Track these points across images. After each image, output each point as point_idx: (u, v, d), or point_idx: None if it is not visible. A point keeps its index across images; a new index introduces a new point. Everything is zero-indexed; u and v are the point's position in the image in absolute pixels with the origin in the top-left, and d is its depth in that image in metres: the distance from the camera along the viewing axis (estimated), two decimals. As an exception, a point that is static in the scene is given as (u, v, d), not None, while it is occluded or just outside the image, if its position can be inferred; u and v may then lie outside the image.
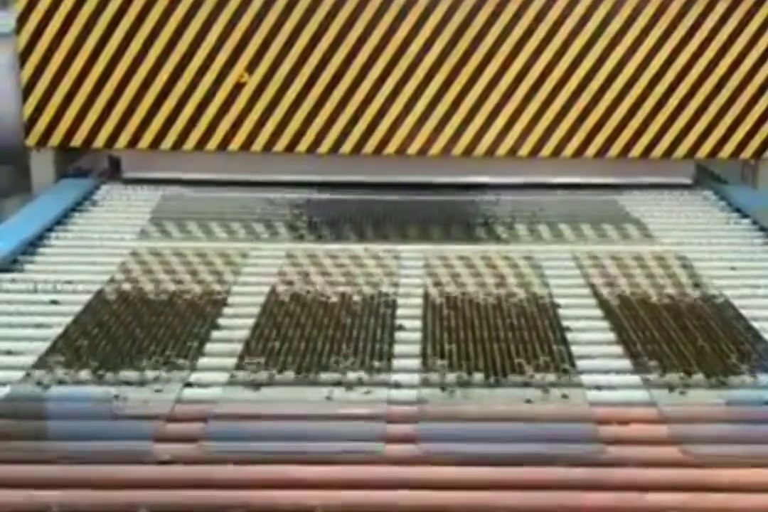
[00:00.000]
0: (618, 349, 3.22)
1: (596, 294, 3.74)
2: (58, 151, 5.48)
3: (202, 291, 3.69)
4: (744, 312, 3.54)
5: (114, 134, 5.37)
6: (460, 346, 3.17)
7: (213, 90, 5.31)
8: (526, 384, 2.88)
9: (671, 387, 2.87)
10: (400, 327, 3.38)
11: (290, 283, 3.79)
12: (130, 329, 3.33)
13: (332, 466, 2.45)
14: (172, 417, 2.69)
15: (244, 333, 3.28)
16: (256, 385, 2.86)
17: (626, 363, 3.09)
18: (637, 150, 5.42)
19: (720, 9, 5.24)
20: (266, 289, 3.71)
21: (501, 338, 3.24)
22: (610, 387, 2.93)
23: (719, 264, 4.16)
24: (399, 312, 3.50)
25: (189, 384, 2.91)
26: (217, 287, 3.75)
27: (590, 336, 3.35)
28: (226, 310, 3.55)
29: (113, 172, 5.62)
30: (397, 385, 2.90)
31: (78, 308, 3.52)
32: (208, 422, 2.64)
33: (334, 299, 3.61)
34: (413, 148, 5.40)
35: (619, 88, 5.33)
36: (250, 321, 3.38)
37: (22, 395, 2.82)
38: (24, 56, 5.25)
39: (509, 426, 2.65)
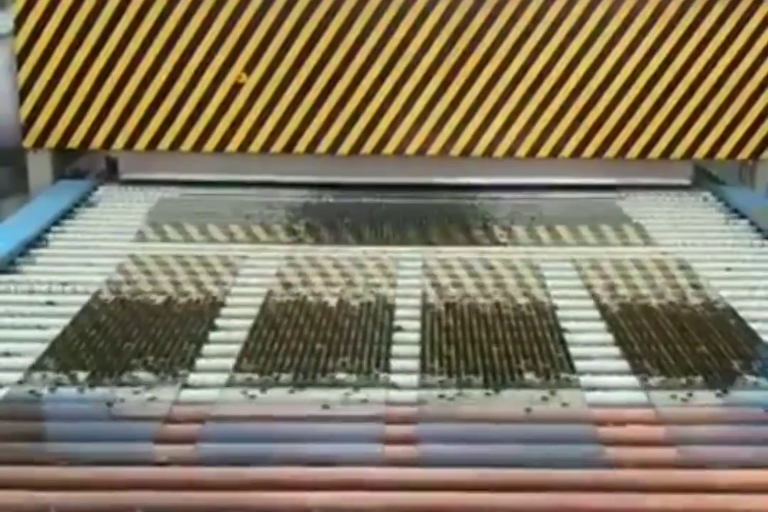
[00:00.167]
0: (616, 351, 3.23)
1: (593, 295, 3.74)
2: (55, 152, 5.47)
3: (198, 295, 3.66)
4: (742, 313, 3.54)
5: (111, 135, 5.36)
6: (459, 351, 3.14)
7: (211, 91, 5.31)
8: (526, 391, 2.86)
9: (673, 396, 2.85)
10: (399, 329, 3.38)
11: (287, 288, 3.75)
12: (127, 330, 3.33)
13: (330, 468, 2.45)
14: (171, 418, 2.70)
15: (242, 337, 3.27)
16: (257, 384, 2.87)
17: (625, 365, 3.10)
18: (635, 150, 5.42)
19: (717, 10, 5.24)
20: (263, 293, 3.69)
21: (500, 344, 3.21)
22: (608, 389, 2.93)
23: (717, 266, 4.16)
24: (397, 315, 3.49)
25: (186, 386, 2.91)
26: (214, 291, 3.74)
27: (588, 337, 3.35)
28: (224, 312, 3.55)
29: (110, 174, 5.61)
30: (395, 386, 2.91)
31: (75, 309, 3.51)
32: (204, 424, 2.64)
33: (332, 303, 3.58)
34: (411, 148, 5.40)
35: (617, 89, 5.33)
36: (248, 325, 3.37)
37: (18, 397, 2.82)
38: (21, 57, 5.24)
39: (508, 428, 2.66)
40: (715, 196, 5.40)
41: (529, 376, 2.95)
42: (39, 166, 5.46)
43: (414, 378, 2.95)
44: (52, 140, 5.37)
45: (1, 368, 3.03)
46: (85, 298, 3.63)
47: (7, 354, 3.13)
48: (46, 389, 2.84)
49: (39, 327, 3.37)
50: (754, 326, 3.43)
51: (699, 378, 2.96)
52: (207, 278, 3.89)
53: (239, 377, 2.93)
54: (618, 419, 2.72)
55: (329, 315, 3.46)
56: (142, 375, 2.93)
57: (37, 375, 2.94)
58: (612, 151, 5.42)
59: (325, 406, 2.74)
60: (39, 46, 5.22)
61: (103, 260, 4.14)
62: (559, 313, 3.54)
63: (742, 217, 4.95)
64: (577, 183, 5.53)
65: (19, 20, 5.19)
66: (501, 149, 5.40)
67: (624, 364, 3.11)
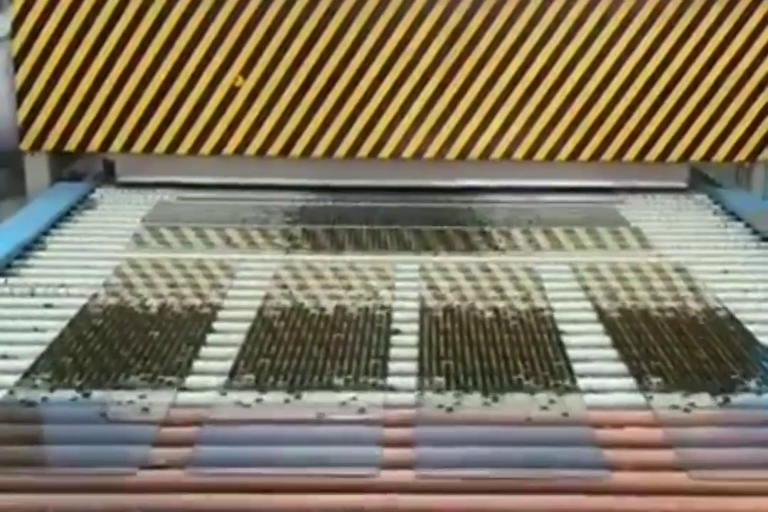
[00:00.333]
0: (613, 353, 3.24)
1: (591, 298, 3.74)
2: (52, 154, 5.47)
3: (194, 301, 3.64)
4: (738, 316, 3.55)
5: (108, 138, 5.36)
6: (457, 361, 3.10)
7: (208, 94, 5.31)
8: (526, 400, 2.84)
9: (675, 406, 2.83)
10: (397, 332, 3.38)
11: (283, 295, 3.72)
12: (124, 332, 3.33)
13: (328, 468, 2.46)
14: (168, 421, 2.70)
15: (238, 345, 3.24)
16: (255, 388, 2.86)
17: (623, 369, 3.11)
18: (631, 153, 5.43)
19: (713, 13, 5.25)
20: (259, 300, 3.67)
21: (499, 352, 3.18)
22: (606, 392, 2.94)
23: (713, 268, 4.16)
24: (395, 324, 3.46)
25: (183, 388, 2.92)
26: (211, 295, 3.73)
27: (586, 339, 3.36)
28: (221, 314, 3.55)
29: (108, 176, 5.61)
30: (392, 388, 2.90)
31: (72, 312, 3.51)
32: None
33: (329, 311, 3.55)
34: (408, 151, 5.41)
35: (614, 92, 5.34)
36: (244, 333, 3.35)
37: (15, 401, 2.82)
38: (19, 60, 5.24)
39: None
40: (711, 199, 5.40)
41: (529, 388, 2.91)
42: (36, 169, 5.46)
43: (412, 382, 2.96)
44: (50, 143, 5.37)
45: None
46: (83, 301, 3.63)
47: (4, 357, 3.13)
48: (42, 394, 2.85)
49: (36, 329, 3.37)
50: (751, 328, 3.44)
51: (699, 383, 2.96)
52: (204, 283, 3.87)
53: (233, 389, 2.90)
54: (617, 422, 2.73)
55: (326, 321, 3.43)
56: (138, 382, 2.92)
57: (33, 380, 2.94)
58: (609, 153, 5.42)
59: (321, 415, 2.72)
60: (36, 48, 5.22)
61: (101, 263, 4.14)
62: (557, 316, 3.55)
63: (739, 219, 4.95)
64: (574, 186, 5.53)
65: (17, 23, 5.19)
66: (498, 152, 5.41)
67: (622, 367, 3.12)
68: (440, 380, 2.95)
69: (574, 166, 5.48)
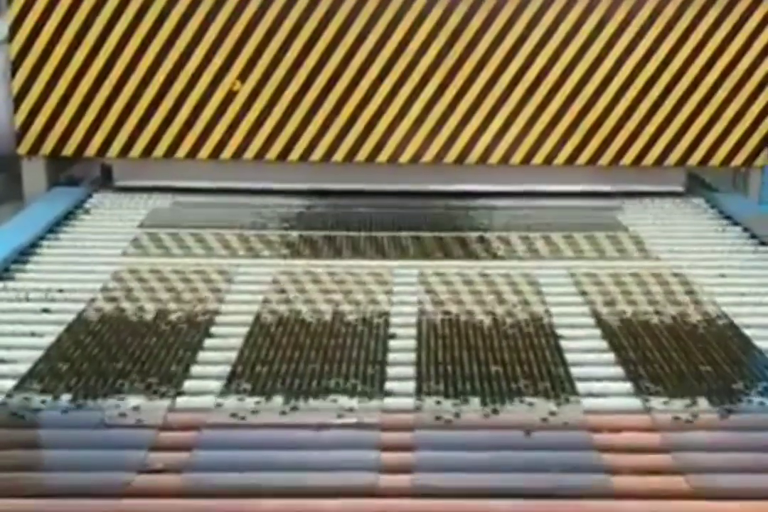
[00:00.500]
0: (610, 356, 3.25)
1: (588, 302, 3.75)
2: (49, 159, 5.47)
3: (191, 307, 3.62)
4: (735, 320, 3.55)
5: (106, 143, 5.37)
6: (456, 370, 3.06)
7: (205, 98, 5.31)
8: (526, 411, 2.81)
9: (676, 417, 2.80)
10: (393, 336, 3.38)
11: (280, 302, 3.69)
12: (121, 337, 3.33)
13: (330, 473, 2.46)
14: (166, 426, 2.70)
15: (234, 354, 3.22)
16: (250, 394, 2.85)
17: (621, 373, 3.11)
18: (628, 157, 5.43)
19: (710, 18, 5.26)
20: (257, 306, 3.65)
21: (498, 362, 3.14)
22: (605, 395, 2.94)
23: (710, 273, 4.17)
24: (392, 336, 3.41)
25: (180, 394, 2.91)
26: (209, 301, 3.72)
27: (580, 342, 3.36)
28: (218, 319, 3.55)
29: (105, 181, 5.61)
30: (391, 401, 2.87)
31: (70, 317, 3.51)
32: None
33: (327, 318, 3.52)
34: (406, 155, 5.41)
35: (611, 96, 5.35)
36: (240, 342, 3.32)
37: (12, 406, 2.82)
38: (16, 64, 5.24)
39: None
40: (708, 203, 5.41)
41: (529, 399, 2.87)
42: (33, 173, 5.46)
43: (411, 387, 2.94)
44: (47, 147, 5.37)
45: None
46: (80, 306, 3.63)
47: (1, 361, 3.13)
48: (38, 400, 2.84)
49: (33, 334, 3.37)
50: (748, 332, 3.44)
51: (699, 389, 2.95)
52: (200, 288, 3.86)
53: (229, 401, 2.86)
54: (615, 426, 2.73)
55: (323, 329, 3.40)
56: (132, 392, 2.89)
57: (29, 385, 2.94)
58: (606, 157, 5.43)
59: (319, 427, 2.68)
60: (33, 53, 5.23)
61: (98, 267, 4.14)
62: (555, 320, 3.55)
63: (736, 224, 4.96)
64: (571, 190, 5.54)
65: (14, 28, 5.19)
66: (496, 156, 5.41)
67: (619, 370, 3.13)
68: (438, 387, 2.92)
69: (572, 170, 5.48)
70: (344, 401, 2.82)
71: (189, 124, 5.34)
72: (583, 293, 3.85)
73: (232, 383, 2.95)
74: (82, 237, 4.66)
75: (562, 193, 5.52)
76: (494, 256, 4.35)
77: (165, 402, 2.82)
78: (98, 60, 5.24)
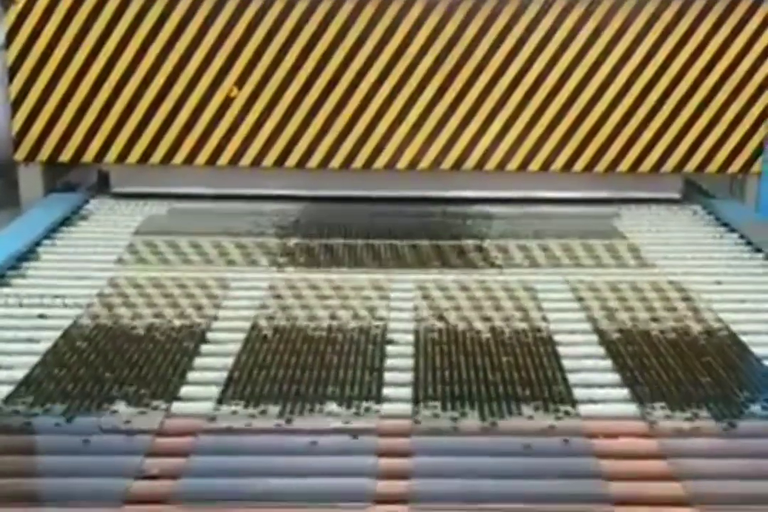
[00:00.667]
0: (607, 362, 3.25)
1: (583, 309, 3.75)
2: (46, 165, 5.47)
3: (183, 320, 3.57)
4: (733, 327, 3.56)
5: (103, 149, 5.37)
6: (454, 385, 3.02)
7: (202, 105, 5.32)
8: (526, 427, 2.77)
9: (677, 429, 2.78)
10: (390, 342, 3.38)
11: (275, 313, 3.64)
12: (117, 344, 3.33)
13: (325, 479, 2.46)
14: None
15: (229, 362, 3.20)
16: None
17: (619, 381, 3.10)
18: (625, 164, 5.44)
19: (707, 25, 5.27)
20: (252, 315, 3.62)
21: (497, 375, 3.11)
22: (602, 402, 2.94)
23: (706, 279, 4.17)
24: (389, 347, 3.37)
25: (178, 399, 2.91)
26: (205, 307, 3.72)
27: (582, 349, 3.36)
28: (216, 325, 3.55)
29: (102, 187, 5.61)
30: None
31: (66, 322, 3.51)
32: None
33: (322, 332, 3.47)
34: (403, 162, 5.42)
35: (608, 103, 5.36)
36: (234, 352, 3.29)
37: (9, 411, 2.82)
38: (13, 71, 5.25)
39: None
40: (705, 210, 5.42)
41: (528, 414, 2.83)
42: (30, 179, 5.46)
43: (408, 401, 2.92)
44: (44, 153, 5.38)
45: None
46: (76, 312, 3.63)
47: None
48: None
49: (30, 340, 3.37)
50: (745, 339, 3.44)
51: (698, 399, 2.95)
52: (196, 299, 3.84)
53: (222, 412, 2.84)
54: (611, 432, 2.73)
55: (319, 342, 3.37)
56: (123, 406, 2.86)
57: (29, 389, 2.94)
58: (603, 164, 5.44)
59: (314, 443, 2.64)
60: (30, 59, 5.23)
61: (94, 273, 4.14)
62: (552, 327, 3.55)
63: (733, 230, 4.96)
64: (568, 197, 5.54)
65: (11, 35, 5.20)
66: (492, 162, 5.42)
67: (616, 375, 3.13)
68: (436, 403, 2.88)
69: (569, 176, 5.49)
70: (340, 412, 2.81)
71: (186, 131, 5.35)
72: (580, 299, 3.85)
73: (228, 390, 2.96)
74: (79, 243, 4.65)
75: (559, 200, 5.51)
76: (492, 265, 4.31)
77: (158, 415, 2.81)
78: (95, 67, 5.25)
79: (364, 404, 2.86)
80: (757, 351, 3.34)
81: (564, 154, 5.42)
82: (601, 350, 3.35)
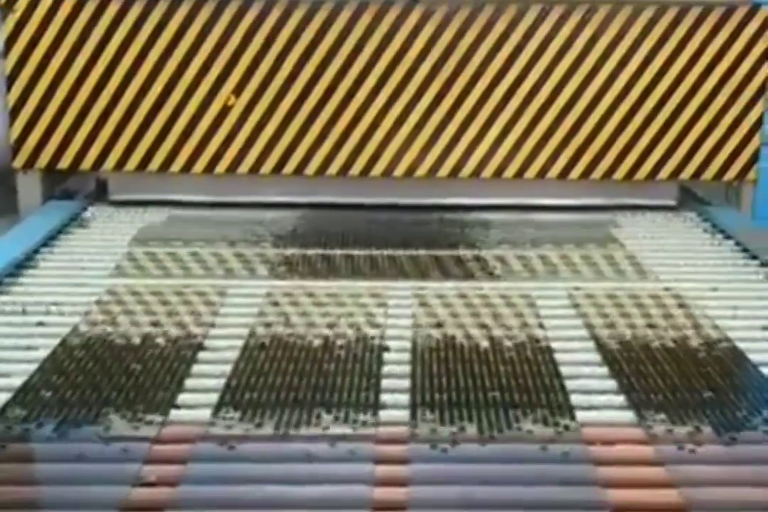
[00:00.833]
0: (604, 370, 3.26)
1: (580, 315, 3.77)
2: (45, 173, 5.48)
3: (178, 331, 3.55)
4: (729, 333, 3.57)
5: (101, 156, 5.38)
6: (452, 396, 2.99)
7: (200, 113, 5.33)
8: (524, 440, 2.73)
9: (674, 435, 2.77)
10: (387, 348, 3.39)
11: (271, 323, 3.62)
12: (114, 351, 3.34)
13: (322, 486, 2.47)
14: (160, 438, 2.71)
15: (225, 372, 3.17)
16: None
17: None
18: (621, 171, 5.46)
19: (701, 35, 5.30)
20: (247, 330, 3.57)
21: (495, 388, 3.07)
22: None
23: (702, 286, 4.18)
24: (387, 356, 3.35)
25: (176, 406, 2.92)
26: (203, 318, 3.71)
27: (578, 356, 3.37)
28: (213, 332, 3.56)
29: (100, 194, 5.62)
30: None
31: (65, 330, 3.51)
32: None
33: (317, 342, 3.44)
34: (400, 169, 5.43)
35: (604, 111, 5.38)
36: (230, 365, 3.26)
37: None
38: (11, 79, 5.26)
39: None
40: (700, 217, 5.43)
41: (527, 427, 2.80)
42: (29, 187, 5.47)
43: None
44: (42, 161, 5.39)
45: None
46: (75, 319, 3.64)
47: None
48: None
49: (28, 347, 3.38)
50: (741, 345, 3.46)
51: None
52: (194, 306, 3.84)
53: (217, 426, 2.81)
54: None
55: (315, 354, 3.33)
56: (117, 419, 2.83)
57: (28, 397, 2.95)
58: (599, 171, 5.46)
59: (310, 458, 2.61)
60: (29, 67, 5.24)
61: (92, 281, 4.15)
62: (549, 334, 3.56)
63: (728, 237, 4.98)
64: (564, 204, 5.55)
65: (9, 42, 5.21)
66: (489, 170, 5.44)
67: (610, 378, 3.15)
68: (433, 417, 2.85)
69: (565, 183, 5.51)
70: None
71: (184, 139, 5.36)
72: (576, 306, 3.87)
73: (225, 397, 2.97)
74: (77, 250, 4.66)
75: (555, 207, 5.53)
76: (490, 275, 4.29)
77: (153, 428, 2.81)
78: (93, 75, 5.27)
79: (361, 417, 2.84)
80: (754, 357, 3.36)
81: (560, 162, 5.44)
82: (598, 357, 3.36)
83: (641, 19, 5.27)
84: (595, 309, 3.83)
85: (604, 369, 3.26)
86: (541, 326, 3.63)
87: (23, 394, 2.97)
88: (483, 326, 3.61)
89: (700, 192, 5.85)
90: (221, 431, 2.75)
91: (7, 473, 2.53)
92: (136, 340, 3.44)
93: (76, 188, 5.79)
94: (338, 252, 4.60)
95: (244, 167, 5.41)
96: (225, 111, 5.33)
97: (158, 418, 2.82)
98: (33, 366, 3.18)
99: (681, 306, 3.88)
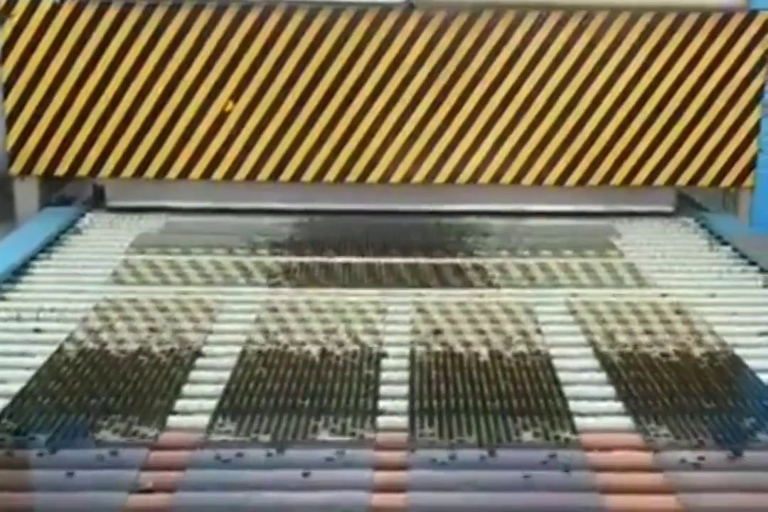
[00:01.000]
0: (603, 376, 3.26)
1: (577, 322, 3.77)
2: (42, 179, 5.48)
3: (175, 342, 3.50)
4: (726, 339, 3.57)
5: (98, 163, 5.38)
6: (450, 410, 2.94)
7: (197, 119, 5.33)
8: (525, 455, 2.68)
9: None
10: (384, 355, 3.39)
11: (269, 333, 3.59)
12: (111, 359, 3.34)
13: (319, 492, 2.46)
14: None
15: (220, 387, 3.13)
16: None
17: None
18: (618, 178, 5.46)
19: (698, 41, 5.30)
20: (243, 341, 3.53)
21: (495, 400, 3.03)
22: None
23: (700, 292, 4.19)
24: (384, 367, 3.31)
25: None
26: (201, 324, 3.72)
27: (574, 363, 3.37)
28: (211, 339, 3.56)
29: (97, 201, 5.61)
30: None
31: (62, 336, 3.51)
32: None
33: (315, 353, 3.40)
34: (397, 175, 5.43)
35: (601, 117, 5.38)
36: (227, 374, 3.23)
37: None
38: (8, 86, 5.26)
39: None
40: (697, 223, 5.43)
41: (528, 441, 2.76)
42: (26, 193, 5.47)
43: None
44: (39, 167, 5.39)
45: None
46: (72, 326, 3.63)
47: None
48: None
49: (24, 354, 3.37)
50: (739, 351, 3.46)
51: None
52: (191, 313, 3.83)
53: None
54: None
55: (313, 365, 3.30)
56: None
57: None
58: (596, 178, 5.46)
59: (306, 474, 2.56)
60: (26, 74, 5.24)
61: (89, 287, 4.14)
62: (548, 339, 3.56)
63: (725, 243, 4.98)
64: (562, 210, 5.55)
65: (6, 49, 5.21)
66: (486, 176, 5.44)
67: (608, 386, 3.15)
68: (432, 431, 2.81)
69: (562, 190, 5.51)
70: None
71: (181, 145, 5.36)
72: (573, 312, 3.87)
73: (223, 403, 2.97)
74: (74, 257, 4.65)
75: (553, 213, 5.53)
76: (489, 284, 4.25)
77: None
78: (91, 81, 5.26)
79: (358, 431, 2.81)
80: (751, 364, 3.36)
81: (558, 168, 5.44)
82: (596, 363, 3.36)
83: (639, 25, 5.28)
84: (592, 316, 3.82)
85: (602, 375, 3.26)
86: (539, 332, 3.63)
87: (19, 401, 2.96)
88: (481, 334, 3.60)
89: (697, 198, 5.85)
90: (219, 438, 2.74)
91: (2, 479, 2.52)
92: (133, 347, 3.42)
93: (73, 195, 5.78)
94: (337, 260, 4.57)
95: (241, 173, 5.41)
96: (223, 117, 5.33)
97: (155, 425, 2.81)
98: (30, 373, 3.17)
99: (678, 312, 3.88)
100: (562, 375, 3.22)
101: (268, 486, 2.48)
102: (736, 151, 5.43)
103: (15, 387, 3.06)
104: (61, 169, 5.40)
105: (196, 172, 5.40)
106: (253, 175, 5.41)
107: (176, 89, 5.29)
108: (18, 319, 3.72)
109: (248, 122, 5.34)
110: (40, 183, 5.49)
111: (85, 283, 4.21)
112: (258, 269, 4.45)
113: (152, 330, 3.59)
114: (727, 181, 5.49)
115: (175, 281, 4.29)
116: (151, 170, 5.40)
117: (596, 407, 3.01)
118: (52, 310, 3.79)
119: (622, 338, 3.57)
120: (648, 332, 3.64)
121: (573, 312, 3.87)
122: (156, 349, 3.41)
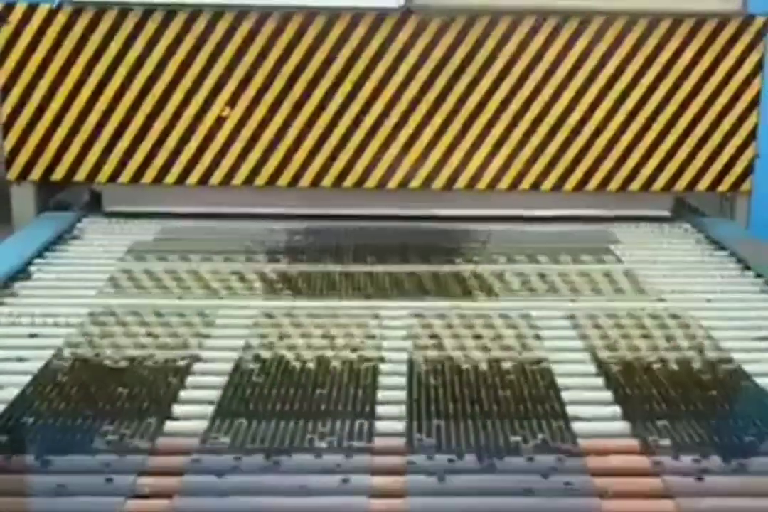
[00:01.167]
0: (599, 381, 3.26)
1: (576, 326, 3.76)
2: (39, 184, 5.47)
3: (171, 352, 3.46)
4: (723, 344, 3.57)
5: (95, 168, 5.38)
6: (449, 421, 2.89)
7: (194, 124, 5.34)
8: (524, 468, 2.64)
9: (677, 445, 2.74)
10: (382, 360, 3.38)
11: (267, 344, 3.54)
12: (106, 365, 3.33)
13: (317, 498, 2.45)
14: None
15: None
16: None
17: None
18: (615, 183, 5.47)
19: (695, 46, 5.31)
20: (240, 351, 3.47)
21: (494, 412, 2.99)
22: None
23: (697, 297, 4.19)
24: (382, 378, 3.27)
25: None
26: (198, 331, 3.70)
27: (571, 369, 3.36)
28: (209, 343, 3.56)
29: (94, 206, 5.61)
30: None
31: (58, 341, 3.50)
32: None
33: (311, 360, 3.37)
34: (394, 181, 5.44)
35: (598, 122, 5.39)
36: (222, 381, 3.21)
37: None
38: (5, 90, 5.26)
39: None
40: (695, 228, 5.44)
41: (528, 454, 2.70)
42: (22, 198, 5.47)
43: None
44: (36, 172, 5.38)
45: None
46: (68, 331, 3.62)
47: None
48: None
49: (20, 359, 3.36)
50: (737, 356, 3.45)
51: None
52: (187, 319, 3.80)
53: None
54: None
55: (310, 372, 3.27)
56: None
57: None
58: (593, 183, 5.47)
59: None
60: (23, 78, 5.24)
61: (86, 292, 4.14)
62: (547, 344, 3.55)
63: (722, 248, 4.98)
64: (558, 215, 5.56)
65: (2, 55, 5.21)
66: (483, 182, 5.45)
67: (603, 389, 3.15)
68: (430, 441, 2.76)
69: (559, 195, 5.51)
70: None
71: (178, 150, 5.36)
72: (570, 317, 3.86)
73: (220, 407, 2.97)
74: (71, 262, 4.65)
75: (550, 218, 5.53)
76: (489, 293, 4.22)
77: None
78: (88, 86, 5.27)
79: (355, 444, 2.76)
80: (749, 368, 3.35)
81: (555, 173, 5.45)
82: (593, 368, 3.36)
83: (635, 30, 5.29)
84: (589, 321, 3.82)
85: (599, 380, 3.26)
86: (537, 335, 3.64)
87: (15, 406, 2.96)
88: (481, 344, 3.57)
89: (694, 203, 5.86)
90: (216, 443, 2.74)
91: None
92: (130, 353, 3.41)
93: (70, 200, 5.78)
94: (335, 267, 4.54)
95: (238, 179, 5.41)
96: (219, 122, 5.34)
97: (152, 431, 2.80)
98: (26, 378, 3.16)
99: (675, 317, 3.88)
100: (560, 381, 3.22)
101: (266, 491, 2.48)
102: (733, 156, 5.44)
103: (11, 393, 3.05)
104: (58, 174, 5.40)
105: (193, 177, 5.40)
106: (249, 180, 5.41)
107: (173, 95, 5.30)
108: (14, 325, 3.71)
109: (245, 127, 5.35)
110: (36, 188, 5.49)
111: (82, 288, 4.20)
112: (255, 275, 4.44)
113: (149, 335, 3.58)
114: (725, 185, 5.50)
115: (171, 286, 4.28)
116: (148, 175, 5.40)
117: (594, 412, 3.01)
118: (48, 315, 3.77)
119: (620, 344, 3.57)
120: (645, 336, 3.64)
121: (570, 317, 3.86)
122: (152, 355, 3.40)
